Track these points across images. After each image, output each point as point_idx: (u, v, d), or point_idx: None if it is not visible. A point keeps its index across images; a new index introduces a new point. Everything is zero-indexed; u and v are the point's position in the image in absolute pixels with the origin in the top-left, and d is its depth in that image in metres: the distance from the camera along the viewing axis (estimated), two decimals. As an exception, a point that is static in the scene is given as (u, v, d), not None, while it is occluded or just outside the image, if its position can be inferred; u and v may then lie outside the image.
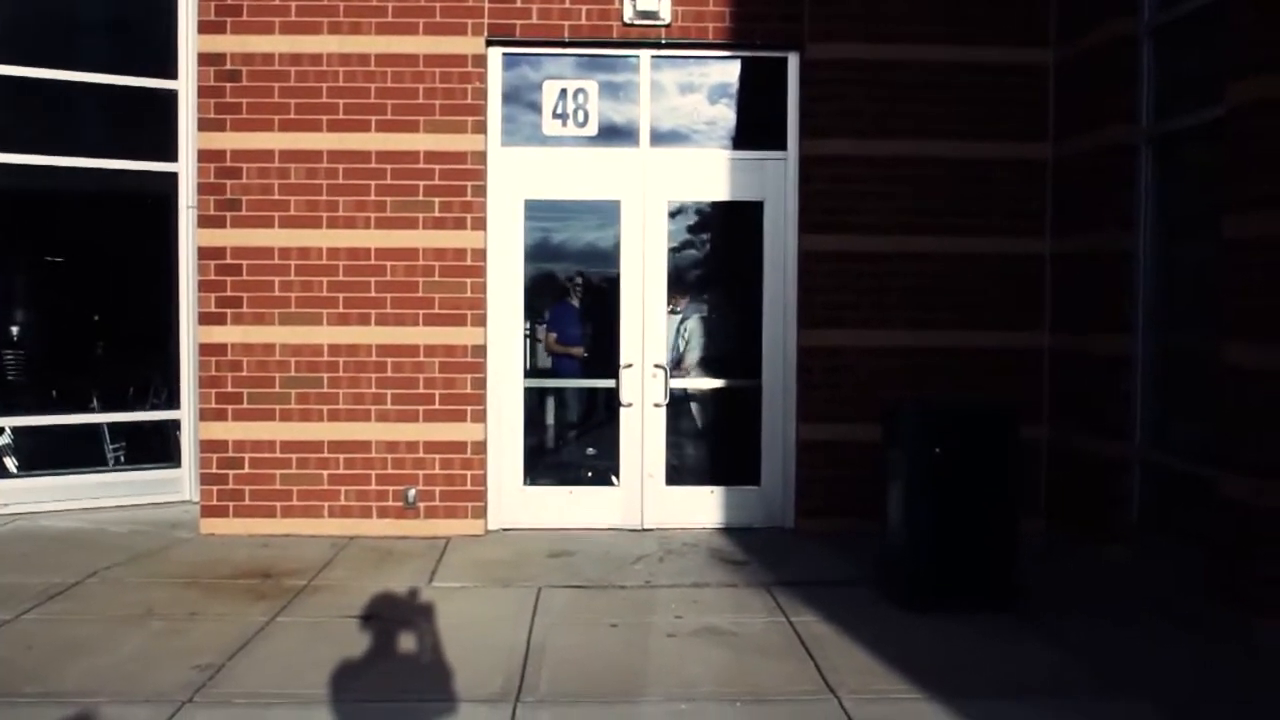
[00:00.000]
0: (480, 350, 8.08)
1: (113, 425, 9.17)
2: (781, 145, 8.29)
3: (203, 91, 8.06)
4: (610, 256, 8.34)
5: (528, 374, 8.38)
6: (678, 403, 8.48)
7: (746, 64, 8.49)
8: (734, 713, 4.83)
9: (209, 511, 8.05)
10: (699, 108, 8.47)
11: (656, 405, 8.23)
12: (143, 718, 4.64)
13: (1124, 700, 4.96)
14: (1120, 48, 7.47)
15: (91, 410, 9.15)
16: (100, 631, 5.79)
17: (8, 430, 8.76)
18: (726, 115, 8.52)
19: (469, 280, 8.04)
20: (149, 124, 9.03)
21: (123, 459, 9.22)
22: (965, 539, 6.23)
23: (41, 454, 8.93)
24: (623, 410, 8.24)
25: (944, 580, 6.23)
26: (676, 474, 8.38)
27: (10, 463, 8.80)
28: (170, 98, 8.96)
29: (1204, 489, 6.55)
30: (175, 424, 9.18)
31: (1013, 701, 4.92)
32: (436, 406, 8.03)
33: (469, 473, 8.07)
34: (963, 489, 6.22)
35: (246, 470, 8.04)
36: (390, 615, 6.12)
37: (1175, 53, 7.25)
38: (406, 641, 5.72)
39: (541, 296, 8.55)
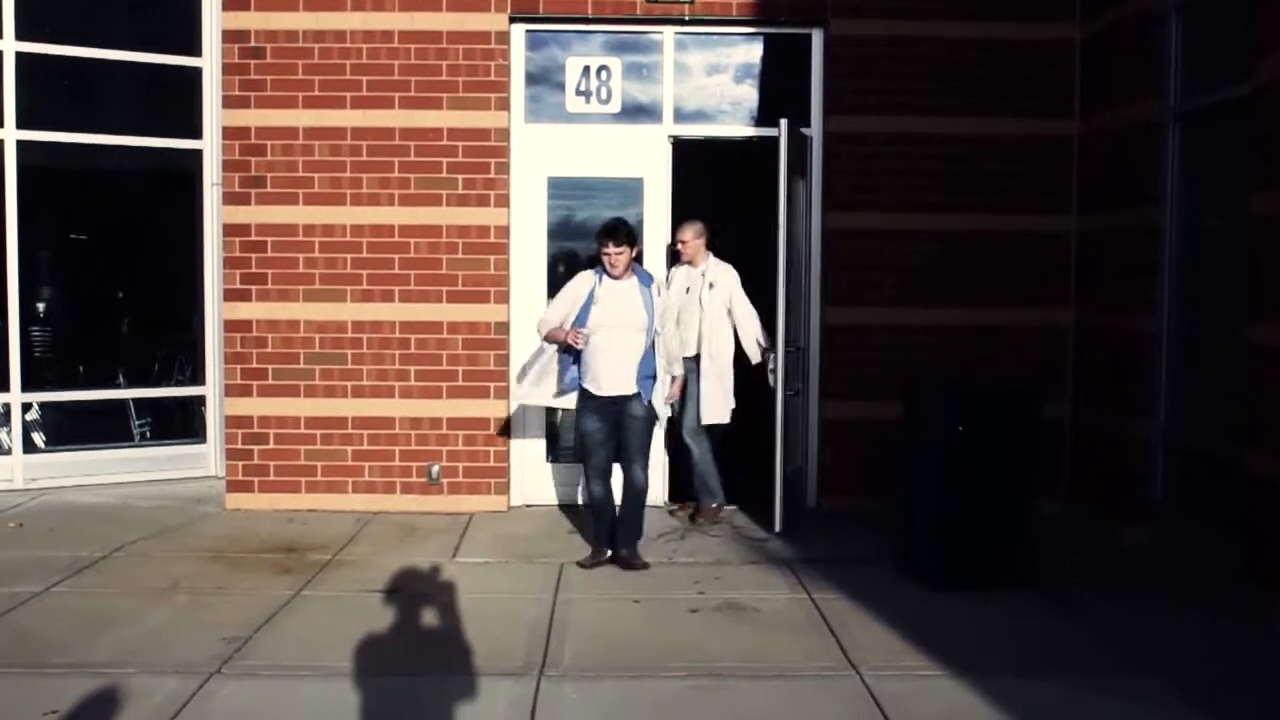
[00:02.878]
0: (503, 327, 8.10)
1: (139, 401, 9.25)
2: (806, 122, 8.26)
3: (227, 69, 8.08)
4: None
5: (550, 351, 8.37)
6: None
7: (770, 40, 8.46)
8: (755, 688, 4.85)
9: (234, 487, 8.12)
10: (722, 85, 8.45)
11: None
12: (171, 688, 4.69)
13: (1142, 678, 4.95)
14: (1147, 23, 7.40)
15: (118, 386, 9.23)
16: (128, 604, 5.86)
17: (35, 406, 8.83)
18: (750, 92, 8.49)
19: (492, 258, 8.06)
20: (174, 101, 9.09)
21: (149, 435, 9.30)
22: (986, 517, 6.21)
23: (68, 430, 9.03)
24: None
25: (965, 558, 6.22)
26: (699, 451, 8.37)
27: (38, 438, 8.88)
28: (195, 75, 9.00)
29: (1228, 469, 6.52)
30: (200, 400, 9.25)
31: (1031, 678, 4.93)
32: (460, 383, 8.07)
33: (492, 449, 8.11)
34: (984, 468, 6.19)
35: (271, 446, 8.10)
36: (414, 590, 6.17)
37: (1202, 28, 7.18)
38: (430, 616, 5.76)
39: (564, 274, 8.54)
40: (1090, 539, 7.40)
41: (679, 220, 7.87)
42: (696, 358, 7.53)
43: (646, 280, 6.68)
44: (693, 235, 7.59)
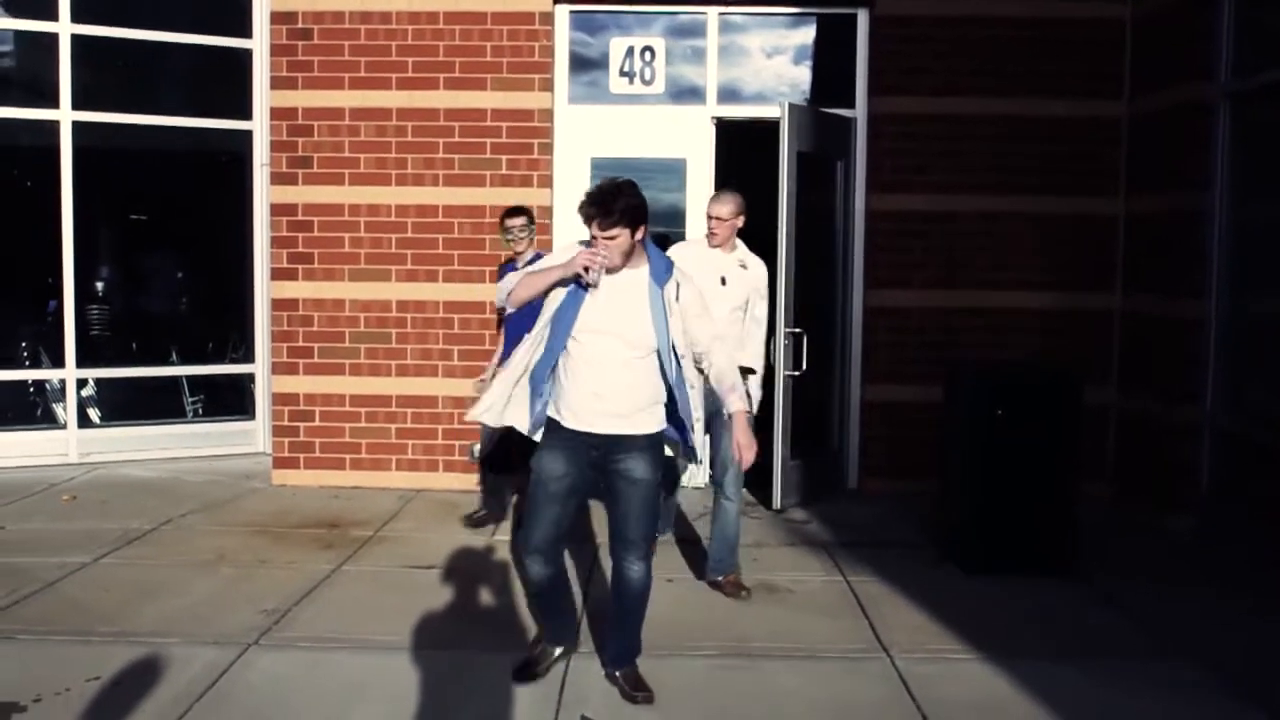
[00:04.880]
0: (546, 308, 8.14)
1: (191, 378, 9.41)
2: (850, 103, 8.22)
3: (275, 50, 8.18)
4: (677, 215, 8.33)
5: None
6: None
7: (815, 21, 8.42)
8: (785, 668, 4.87)
9: (280, 463, 8.25)
10: (767, 66, 8.42)
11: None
12: (210, 658, 4.80)
13: (1179, 666, 4.91)
14: (1199, 3, 7.27)
15: (171, 364, 9.39)
16: (173, 576, 5.99)
17: (90, 382, 9.02)
18: (794, 73, 8.46)
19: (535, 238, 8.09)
20: (224, 82, 9.21)
21: (200, 411, 9.46)
22: (1024, 502, 6.17)
23: (123, 405, 9.20)
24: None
25: (1002, 543, 6.19)
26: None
27: (93, 413, 9.07)
28: (245, 56, 9.11)
29: (1276, 458, 6.42)
30: (250, 377, 9.40)
31: (1064, 663, 4.90)
32: (502, 363, 8.13)
33: (533, 429, 8.15)
34: (1024, 452, 6.15)
35: (317, 423, 8.22)
36: (453, 566, 6.24)
37: (1254, 8, 7.04)
38: (468, 592, 5.83)
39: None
40: (1133, 526, 7.33)
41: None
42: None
43: (662, 275, 4.36)
44: (731, 212, 5.97)
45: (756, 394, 6.09)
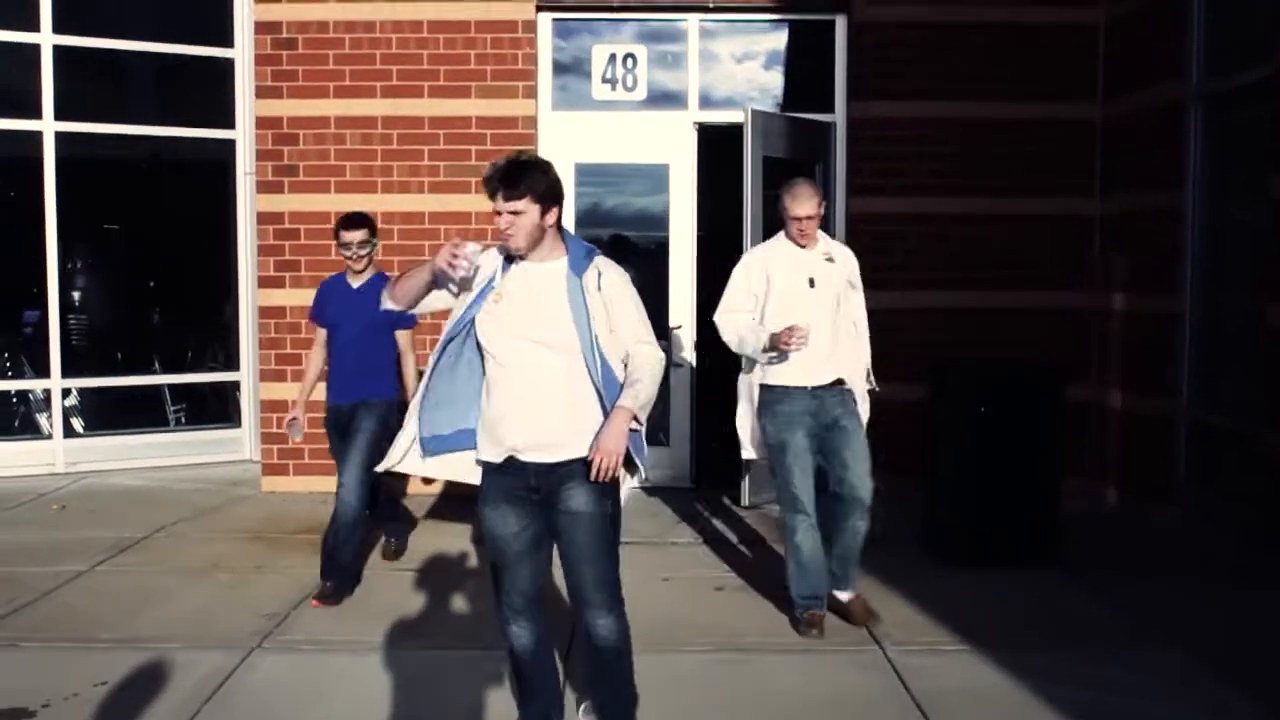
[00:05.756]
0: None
1: (174, 387, 9.42)
2: (829, 108, 8.34)
3: (259, 59, 8.23)
4: (661, 220, 8.42)
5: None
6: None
7: (794, 27, 8.55)
8: (779, 661, 4.96)
9: (270, 470, 8.29)
10: (748, 71, 8.54)
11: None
12: (215, 662, 4.85)
13: (1163, 651, 5.04)
14: (1170, 6, 7.43)
15: (153, 372, 9.41)
16: (170, 582, 6.03)
17: (74, 392, 9.02)
18: (774, 78, 8.58)
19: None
20: (207, 92, 9.25)
21: (184, 419, 9.47)
22: (1010, 496, 6.29)
23: (106, 415, 9.22)
24: (673, 370, 8.34)
25: (988, 537, 6.30)
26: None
27: (77, 423, 9.07)
28: (228, 66, 9.15)
29: (1252, 447, 6.58)
30: (235, 385, 9.43)
31: (1053, 651, 5.02)
32: (489, 367, 8.18)
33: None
34: (1008, 447, 6.28)
35: (306, 430, 8.21)
36: (447, 569, 6.31)
37: (1226, 11, 7.21)
38: (462, 593, 5.90)
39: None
40: (1115, 517, 7.49)
41: (705, 206, 8.04)
42: (835, 385, 5.35)
43: (581, 262, 3.74)
44: (817, 206, 5.28)
45: (866, 410, 5.48)
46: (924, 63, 8.17)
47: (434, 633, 5.33)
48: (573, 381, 3.66)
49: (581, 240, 3.87)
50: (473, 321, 3.70)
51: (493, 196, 3.63)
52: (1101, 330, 8.23)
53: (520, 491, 3.71)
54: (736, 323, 5.32)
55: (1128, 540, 6.97)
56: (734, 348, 5.38)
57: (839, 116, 8.32)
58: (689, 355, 8.34)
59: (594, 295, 3.69)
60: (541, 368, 3.64)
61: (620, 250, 8.54)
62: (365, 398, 5.93)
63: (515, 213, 3.60)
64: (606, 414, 3.64)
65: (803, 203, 5.22)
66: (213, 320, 9.55)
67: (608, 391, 3.67)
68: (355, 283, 5.96)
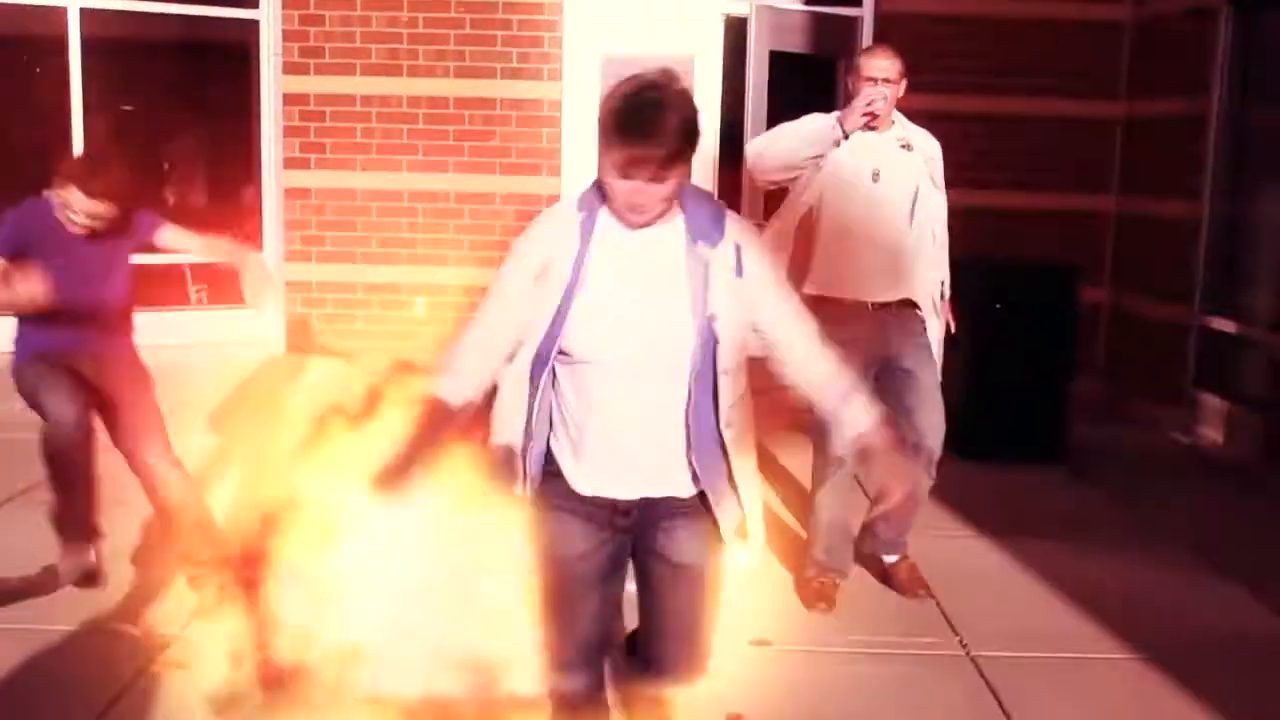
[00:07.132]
0: (554, 200, 8.28)
1: (195, 267, 9.48)
2: (857, 1, 8.28)
3: (285, -63, 8.19)
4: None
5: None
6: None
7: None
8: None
9: (294, 349, 8.44)
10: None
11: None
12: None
13: (1163, 545, 5.22)
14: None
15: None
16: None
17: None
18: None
19: (544, 130, 8.22)
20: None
21: (205, 299, 9.55)
22: (1022, 393, 6.42)
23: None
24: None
25: (996, 431, 6.42)
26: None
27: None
28: (252, -57, 9.06)
29: (1261, 352, 6.68)
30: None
31: (1058, 540, 5.20)
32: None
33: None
34: (1022, 345, 6.39)
35: (329, 311, 8.39)
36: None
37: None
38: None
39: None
40: (1124, 418, 7.60)
41: (727, 104, 7.98)
42: (903, 305, 4.31)
43: (709, 229, 2.51)
44: (900, 72, 4.17)
45: (938, 336, 4.43)
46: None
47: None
48: (681, 406, 2.55)
49: (700, 190, 2.60)
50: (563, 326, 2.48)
51: (627, 167, 2.35)
52: (1118, 234, 8.27)
53: (602, 527, 2.65)
54: (769, 135, 4.13)
55: (1134, 441, 7.11)
56: (779, 161, 4.12)
57: (866, 11, 8.26)
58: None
59: (731, 283, 2.49)
60: (652, 387, 2.53)
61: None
62: None
63: (658, 184, 2.37)
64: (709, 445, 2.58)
65: (876, 62, 4.09)
66: (236, 201, 9.59)
67: (705, 415, 2.57)
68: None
